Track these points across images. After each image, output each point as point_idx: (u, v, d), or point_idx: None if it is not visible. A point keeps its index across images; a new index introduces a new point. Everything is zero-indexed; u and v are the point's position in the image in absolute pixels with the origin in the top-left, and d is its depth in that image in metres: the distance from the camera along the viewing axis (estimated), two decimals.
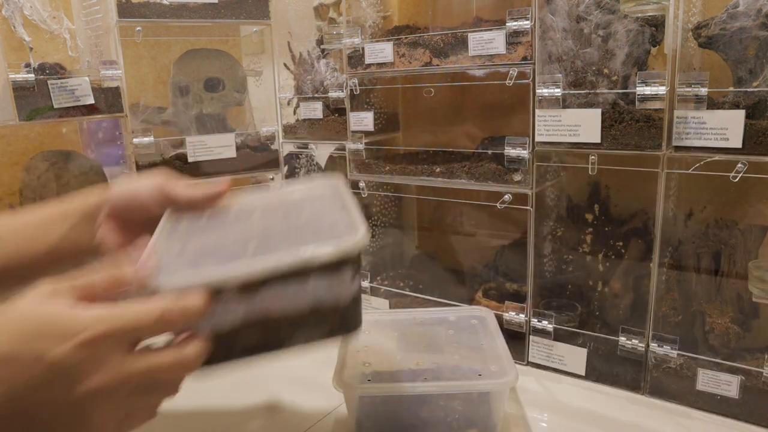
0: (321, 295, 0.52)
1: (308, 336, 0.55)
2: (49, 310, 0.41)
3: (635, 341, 0.93)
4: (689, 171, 0.85)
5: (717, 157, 0.82)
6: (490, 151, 1.10)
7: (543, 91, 0.93)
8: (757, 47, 0.80)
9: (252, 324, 0.51)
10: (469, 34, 1.00)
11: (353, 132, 1.23)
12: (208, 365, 0.53)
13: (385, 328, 0.99)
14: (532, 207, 1.00)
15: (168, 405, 0.98)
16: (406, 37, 1.09)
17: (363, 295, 1.28)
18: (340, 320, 0.56)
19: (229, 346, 0.53)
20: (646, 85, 0.84)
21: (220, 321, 0.50)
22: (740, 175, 0.80)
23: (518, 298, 1.09)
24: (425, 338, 0.94)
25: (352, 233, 0.52)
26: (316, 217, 0.59)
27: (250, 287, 0.48)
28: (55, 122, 1.20)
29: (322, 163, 1.47)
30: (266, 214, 0.62)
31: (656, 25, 0.87)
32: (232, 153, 1.31)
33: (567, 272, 1.08)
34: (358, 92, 1.20)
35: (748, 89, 0.81)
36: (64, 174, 1.21)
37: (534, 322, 1.03)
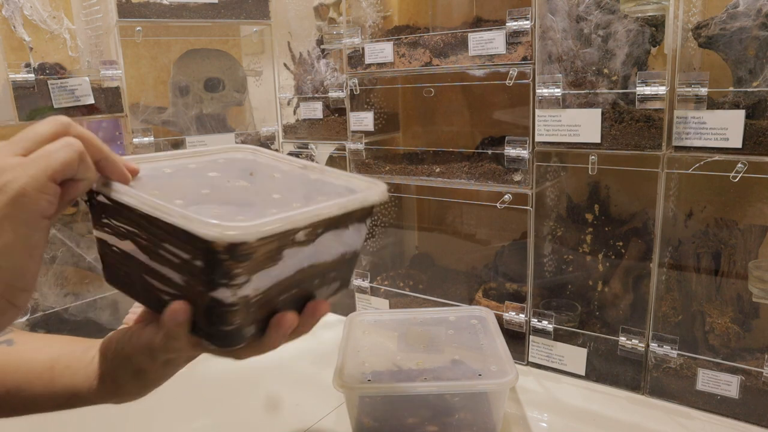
0: (350, 243, 0.52)
1: (327, 290, 0.54)
2: None
3: (635, 341, 0.93)
4: (689, 171, 0.85)
5: (717, 157, 0.82)
6: (490, 151, 1.10)
7: (543, 91, 0.93)
8: (757, 47, 0.80)
9: (297, 277, 0.48)
10: (469, 34, 1.00)
11: (353, 132, 1.23)
12: (250, 328, 0.48)
13: (385, 328, 0.99)
14: (532, 207, 1.00)
15: (168, 405, 0.99)
16: (406, 37, 1.09)
17: (363, 295, 1.28)
18: (347, 273, 0.56)
19: (272, 303, 0.48)
20: (646, 85, 0.84)
21: (279, 273, 0.46)
22: (740, 175, 0.80)
23: (518, 298, 1.09)
24: (425, 338, 0.94)
25: (375, 186, 0.54)
26: (299, 178, 0.58)
27: (312, 234, 0.46)
28: None
29: (323, 164, 1.47)
30: (230, 172, 0.58)
31: (656, 25, 0.87)
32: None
33: (567, 272, 1.08)
34: (358, 92, 1.20)
35: (748, 89, 0.81)
36: None
37: (534, 322, 1.03)
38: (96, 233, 0.50)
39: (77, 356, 0.55)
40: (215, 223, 0.38)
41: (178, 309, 0.44)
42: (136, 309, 0.56)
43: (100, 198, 0.46)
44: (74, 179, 0.43)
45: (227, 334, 0.45)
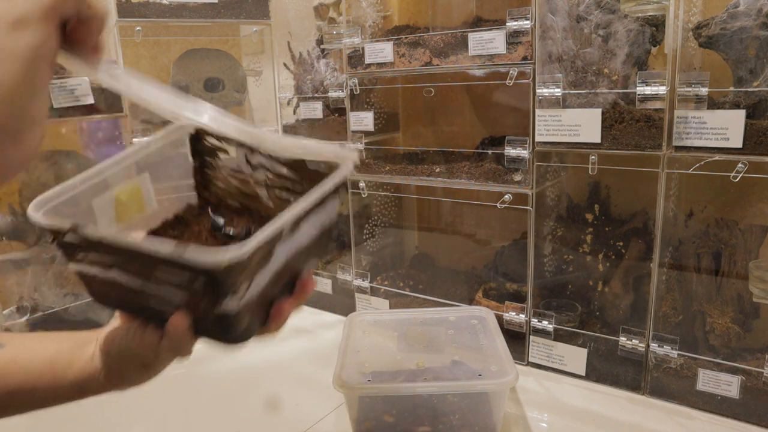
0: (328, 216, 0.53)
1: (311, 263, 0.56)
2: None
3: (635, 341, 0.93)
4: (689, 171, 0.85)
5: (717, 157, 0.81)
6: (490, 151, 1.10)
7: (543, 91, 0.93)
8: (757, 47, 0.80)
9: (287, 264, 0.50)
10: (469, 34, 1.00)
11: (353, 132, 1.23)
12: (255, 326, 0.50)
13: (385, 328, 0.99)
14: (532, 207, 1.00)
15: (169, 405, 0.99)
16: (406, 37, 1.09)
17: (363, 295, 1.28)
18: (327, 241, 0.57)
19: (269, 294, 0.50)
20: (647, 85, 0.84)
21: (271, 267, 0.48)
22: (741, 175, 0.80)
23: (518, 298, 1.08)
24: (425, 338, 0.94)
25: (345, 155, 0.54)
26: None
27: (296, 224, 0.48)
28: (55, 122, 1.20)
29: None
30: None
31: (656, 24, 0.87)
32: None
33: (567, 272, 1.08)
34: (358, 92, 1.20)
35: (749, 89, 0.81)
36: (64, 174, 1.21)
37: (534, 322, 1.03)
38: (74, 267, 0.50)
39: (76, 353, 0.55)
40: (208, 254, 0.40)
41: (180, 323, 0.46)
42: None
43: (69, 238, 0.46)
44: (81, 18, 0.39)
45: (236, 336, 0.47)
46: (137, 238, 0.53)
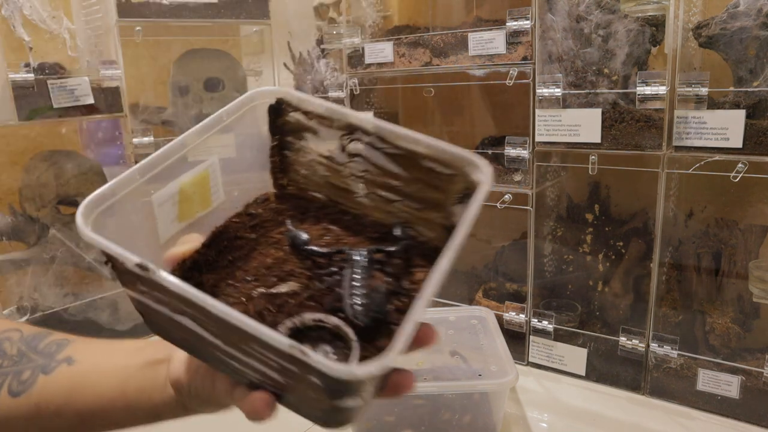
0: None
1: None
2: None
3: (635, 341, 0.93)
4: (689, 171, 0.85)
5: (717, 157, 0.81)
6: (490, 151, 1.09)
7: (543, 91, 0.93)
8: (757, 47, 0.80)
9: None
10: (469, 34, 1.00)
11: None
12: None
13: None
14: (532, 207, 1.00)
15: None
16: (406, 37, 1.09)
17: None
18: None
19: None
20: (647, 85, 0.84)
21: None
22: (741, 175, 0.80)
23: (518, 298, 1.08)
24: None
25: (481, 162, 0.44)
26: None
27: None
28: (55, 122, 1.20)
29: None
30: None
31: (656, 24, 0.87)
32: (232, 153, 1.31)
33: (567, 272, 1.08)
34: (358, 92, 1.20)
35: (749, 89, 0.81)
36: (64, 174, 1.21)
37: (534, 322, 1.03)
38: (130, 294, 0.41)
39: (148, 376, 0.50)
40: (345, 367, 0.30)
41: (263, 405, 0.39)
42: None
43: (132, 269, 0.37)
44: None
45: (343, 423, 0.39)
46: (195, 242, 0.44)
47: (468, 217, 0.40)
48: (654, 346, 0.91)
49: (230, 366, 0.39)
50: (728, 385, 0.85)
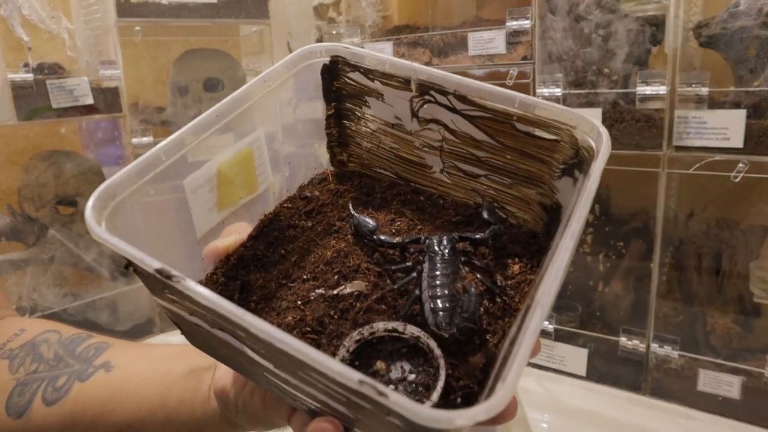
0: None
1: None
2: None
3: (636, 342, 0.92)
4: (690, 171, 0.85)
5: (718, 156, 0.81)
6: None
7: (543, 91, 0.93)
8: (758, 46, 0.80)
9: None
10: (469, 34, 1.00)
11: None
12: None
13: None
14: None
15: None
16: (406, 37, 1.09)
17: None
18: None
19: None
20: (647, 85, 0.83)
21: None
22: (741, 174, 0.80)
23: None
24: None
25: (594, 121, 0.39)
26: None
27: None
28: (54, 122, 1.20)
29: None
30: None
31: (657, 24, 0.87)
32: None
33: (567, 272, 1.08)
34: None
35: (749, 89, 0.80)
36: (63, 174, 1.20)
37: None
38: (158, 301, 0.35)
39: (189, 386, 0.47)
40: (439, 415, 0.23)
41: (330, 429, 0.32)
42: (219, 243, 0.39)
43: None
44: None
45: None
46: (242, 233, 0.36)
47: (587, 192, 0.31)
48: (655, 346, 0.91)
49: (286, 392, 0.32)
50: (729, 386, 0.85)
